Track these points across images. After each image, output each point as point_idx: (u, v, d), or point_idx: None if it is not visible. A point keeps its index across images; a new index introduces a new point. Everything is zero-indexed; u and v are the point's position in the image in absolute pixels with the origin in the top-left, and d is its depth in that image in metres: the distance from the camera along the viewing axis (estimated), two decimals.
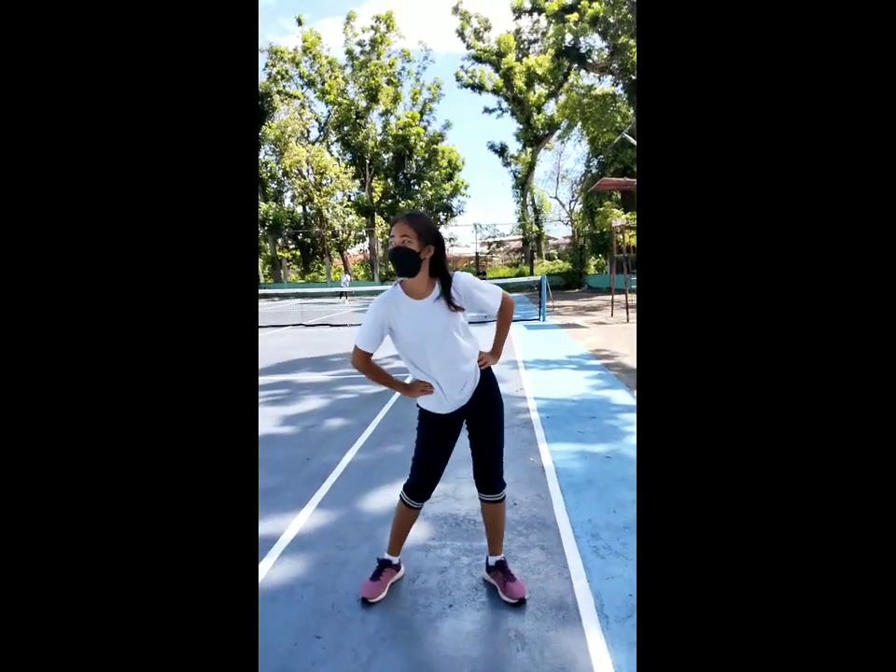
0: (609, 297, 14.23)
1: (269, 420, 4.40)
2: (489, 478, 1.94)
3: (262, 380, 6.08)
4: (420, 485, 1.96)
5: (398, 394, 5.12)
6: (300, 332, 11.50)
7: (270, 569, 2.18)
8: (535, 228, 32.40)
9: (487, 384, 1.92)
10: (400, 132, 31.24)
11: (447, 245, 1.85)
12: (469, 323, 1.90)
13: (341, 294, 24.87)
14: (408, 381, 1.92)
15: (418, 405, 1.94)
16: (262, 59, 31.53)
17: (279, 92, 31.61)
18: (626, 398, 4.81)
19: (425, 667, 1.63)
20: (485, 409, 1.91)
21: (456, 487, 2.89)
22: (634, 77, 21.18)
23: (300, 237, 34.77)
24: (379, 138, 31.83)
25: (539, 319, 12.01)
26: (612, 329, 10.12)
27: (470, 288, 1.79)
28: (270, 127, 30.30)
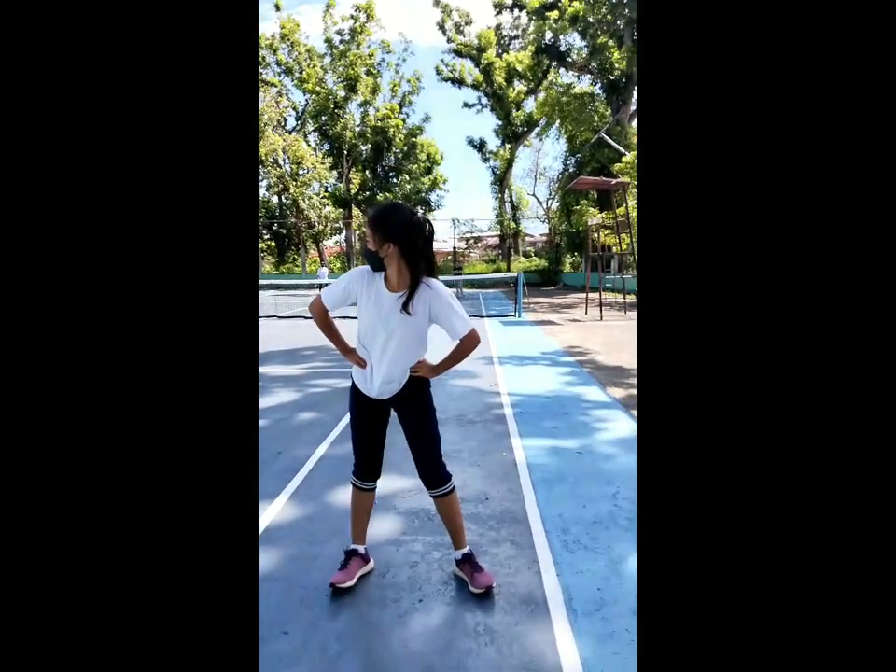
0: (584, 295, 14.39)
1: None
2: (429, 475, 1.99)
3: None
4: (361, 463, 2.01)
5: None
6: (273, 324, 11.32)
7: None
8: (512, 224, 32.53)
9: (417, 392, 1.92)
10: (379, 123, 30.88)
11: (426, 238, 1.78)
12: None
13: (321, 286, 24.54)
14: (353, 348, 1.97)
15: (351, 376, 1.99)
16: None
17: None
18: (598, 394, 4.87)
19: (393, 662, 1.62)
20: (414, 415, 1.94)
21: None
22: (612, 78, 21.42)
23: (275, 227, 34.19)
24: (357, 129, 31.41)
25: (514, 316, 12.07)
26: (586, 327, 10.24)
27: (433, 301, 1.78)
28: None
